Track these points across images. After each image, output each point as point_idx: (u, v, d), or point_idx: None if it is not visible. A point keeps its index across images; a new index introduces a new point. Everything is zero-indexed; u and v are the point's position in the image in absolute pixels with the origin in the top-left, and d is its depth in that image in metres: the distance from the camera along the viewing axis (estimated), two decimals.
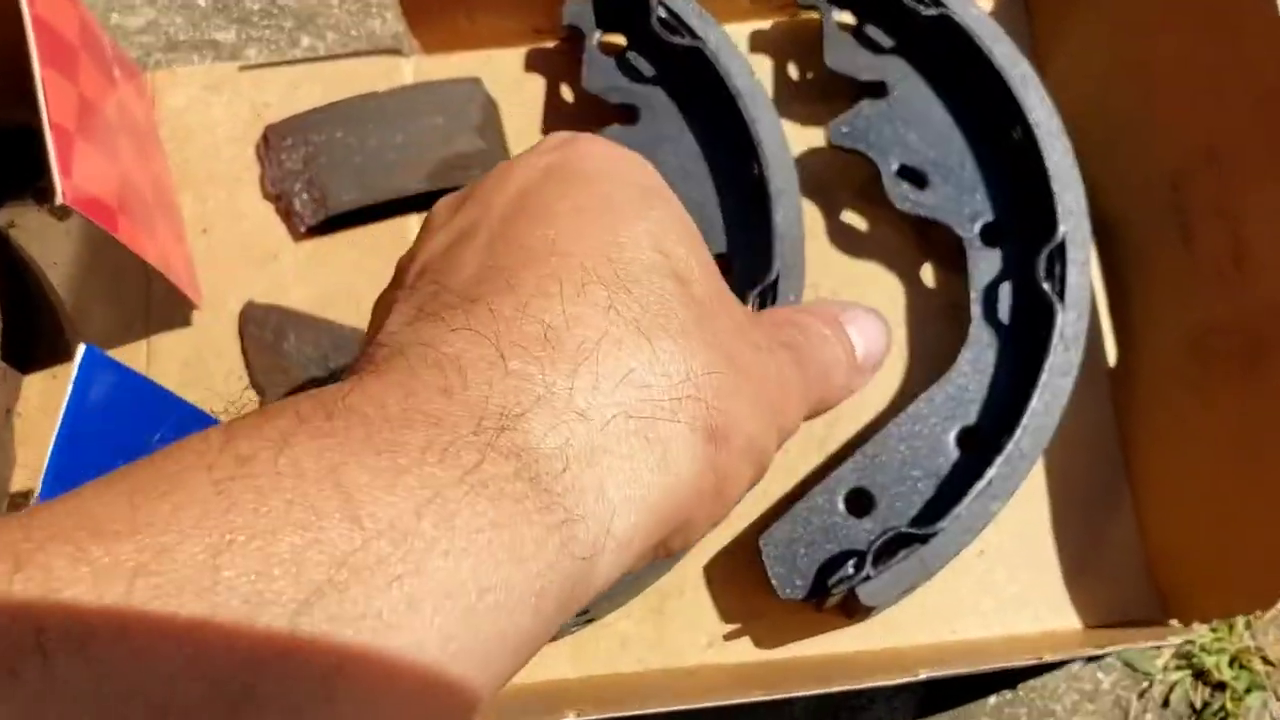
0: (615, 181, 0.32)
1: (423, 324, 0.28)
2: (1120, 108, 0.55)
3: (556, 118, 0.60)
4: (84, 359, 0.45)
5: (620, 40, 0.58)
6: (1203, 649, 0.56)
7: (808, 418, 0.36)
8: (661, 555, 0.30)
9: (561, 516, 0.24)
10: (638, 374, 0.27)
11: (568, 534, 0.24)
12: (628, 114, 0.57)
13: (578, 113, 0.59)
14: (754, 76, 0.55)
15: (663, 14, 0.56)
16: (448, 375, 0.25)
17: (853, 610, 0.50)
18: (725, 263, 0.54)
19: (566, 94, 0.60)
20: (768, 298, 0.52)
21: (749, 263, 0.54)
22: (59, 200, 0.46)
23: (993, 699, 0.54)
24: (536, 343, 0.27)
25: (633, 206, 0.31)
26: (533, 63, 0.60)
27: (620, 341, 0.27)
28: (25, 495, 0.57)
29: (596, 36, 0.57)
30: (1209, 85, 0.49)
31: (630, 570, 0.28)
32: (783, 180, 0.53)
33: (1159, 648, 0.47)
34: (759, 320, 0.35)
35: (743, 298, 0.52)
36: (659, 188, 0.33)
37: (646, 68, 0.58)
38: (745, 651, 0.52)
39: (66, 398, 0.44)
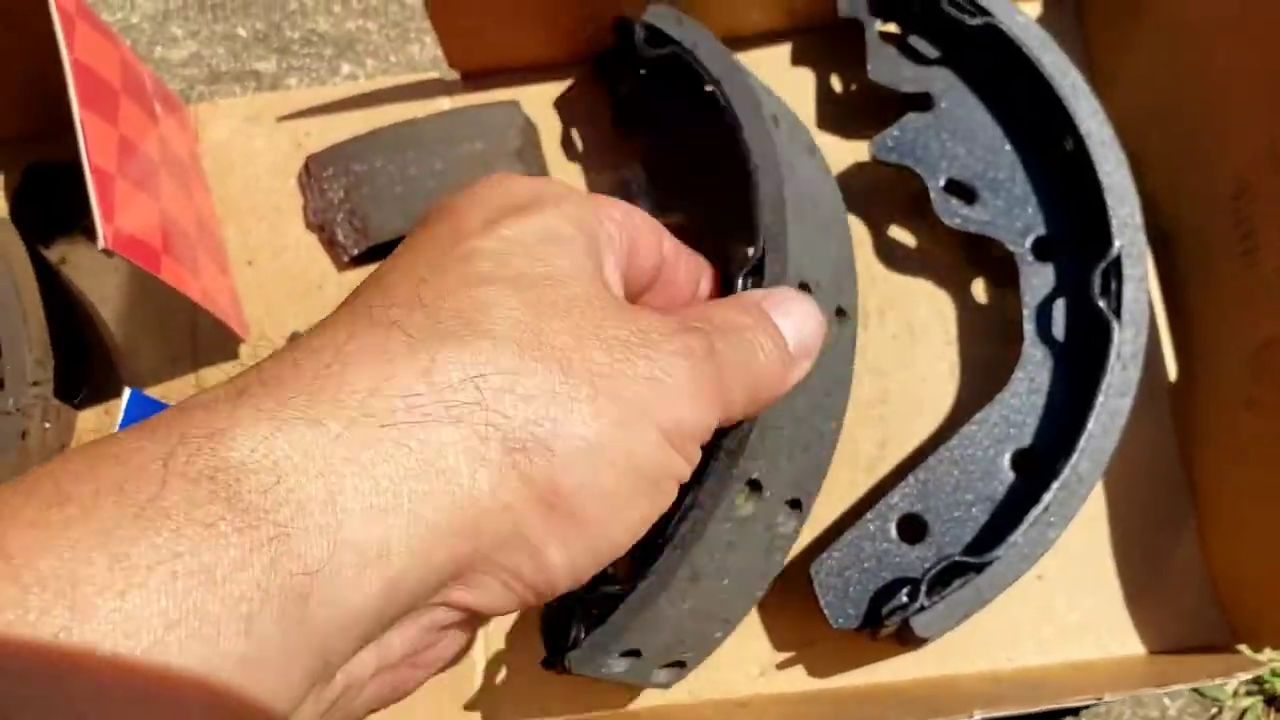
0: (480, 209, 0.32)
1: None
2: (1178, 115, 0.53)
3: (596, 139, 0.59)
4: (129, 402, 0.45)
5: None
6: (1274, 673, 0.55)
7: (736, 416, 0.34)
8: (504, 582, 0.28)
9: (270, 533, 0.23)
10: (400, 381, 0.26)
11: (279, 550, 0.23)
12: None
13: (614, 135, 0.59)
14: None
15: None
16: (165, 413, 0.26)
17: (907, 639, 0.49)
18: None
19: (602, 117, 0.59)
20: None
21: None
22: (101, 245, 0.47)
23: None
24: (284, 367, 0.26)
25: (483, 226, 0.31)
26: (572, 85, 0.60)
27: (386, 352, 0.27)
28: None
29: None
30: (1271, 91, 0.47)
31: (421, 583, 0.26)
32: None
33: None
34: (653, 313, 0.32)
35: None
36: (527, 205, 0.32)
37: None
38: (798, 681, 0.51)
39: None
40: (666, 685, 0.49)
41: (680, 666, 0.49)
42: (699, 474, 0.41)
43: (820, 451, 0.49)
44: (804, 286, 0.45)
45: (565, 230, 0.32)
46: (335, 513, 0.24)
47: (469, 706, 0.52)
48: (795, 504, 0.48)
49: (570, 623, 0.45)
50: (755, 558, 0.47)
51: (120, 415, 0.46)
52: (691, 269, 0.41)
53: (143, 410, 0.46)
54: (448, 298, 0.28)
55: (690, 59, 0.53)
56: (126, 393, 0.46)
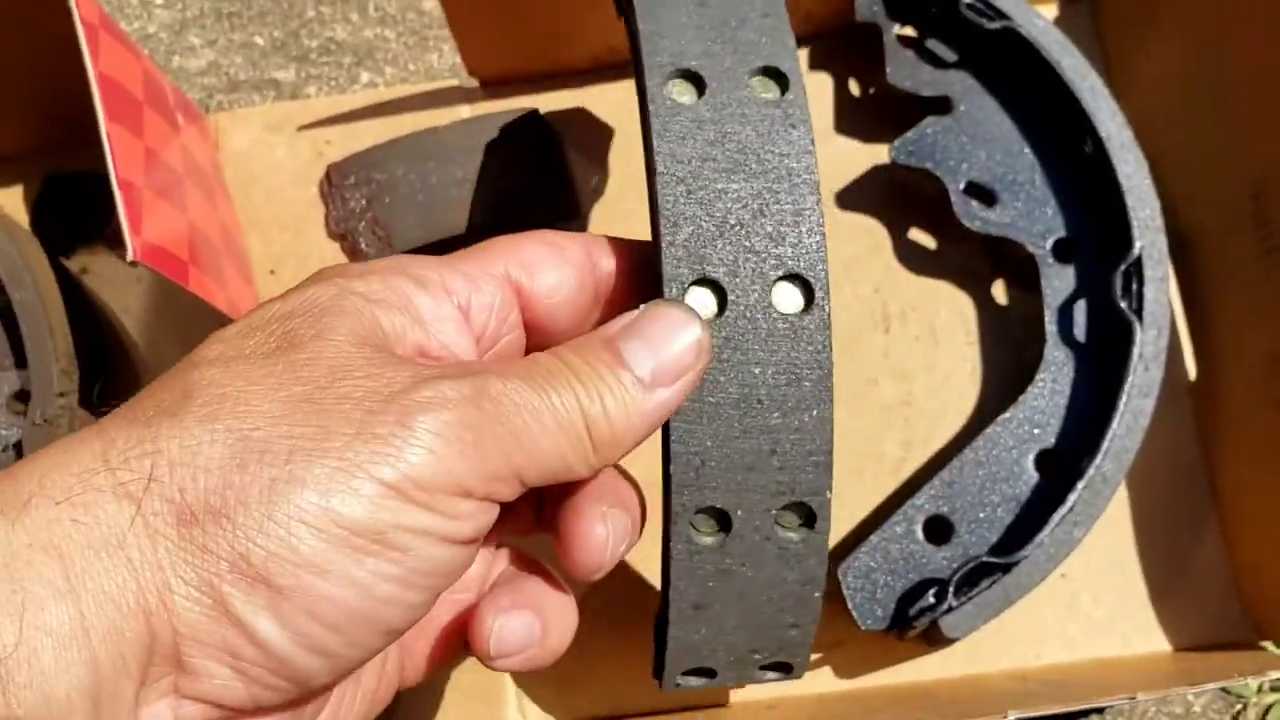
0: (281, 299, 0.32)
1: None
2: (1196, 117, 0.54)
3: (621, 145, 0.59)
4: None
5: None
6: None
7: (566, 467, 0.30)
8: (213, 660, 0.26)
9: None
10: (77, 460, 0.26)
11: None
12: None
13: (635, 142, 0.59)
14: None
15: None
16: None
17: (935, 639, 0.49)
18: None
19: (624, 121, 0.60)
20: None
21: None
22: (130, 257, 0.47)
23: None
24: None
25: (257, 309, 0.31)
26: (591, 93, 0.60)
27: (69, 441, 0.27)
28: None
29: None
30: None
31: (122, 663, 0.25)
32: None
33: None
34: (405, 369, 0.29)
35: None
36: (323, 275, 0.32)
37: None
38: (826, 682, 0.52)
39: None
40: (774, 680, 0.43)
41: (784, 669, 0.42)
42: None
43: (806, 446, 0.36)
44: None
45: (325, 300, 0.30)
46: (16, 599, 0.24)
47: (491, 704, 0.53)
48: (796, 508, 0.36)
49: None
50: (768, 573, 0.38)
51: None
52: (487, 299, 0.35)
53: None
54: (156, 391, 0.28)
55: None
56: None
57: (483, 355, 0.34)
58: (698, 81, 0.33)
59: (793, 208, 0.32)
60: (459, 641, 0.35)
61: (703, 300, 0.32)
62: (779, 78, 0.34)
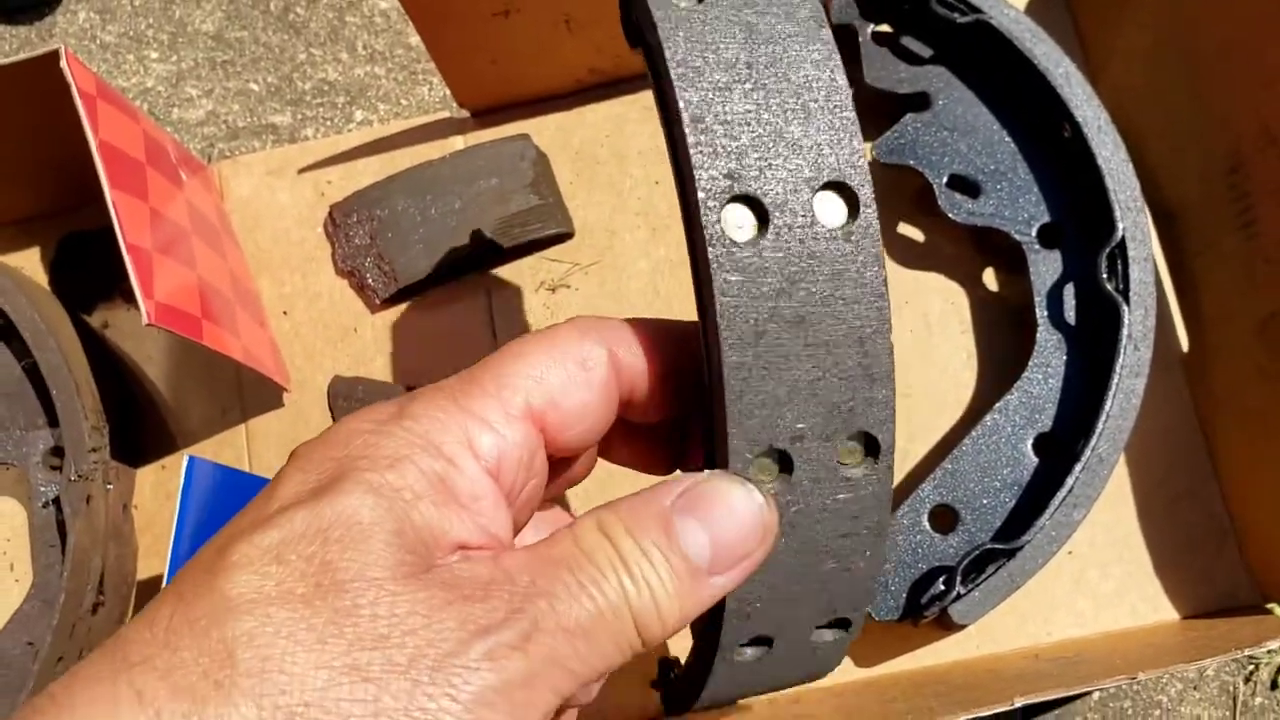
0: (296, 468, 0.29)
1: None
2: (1172, 96, 0.55)
3: (613, 163, 0.61)
4: (188, 468, 0.47)
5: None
6: None
7: (607, 669, 0.28)
8: None
9: None
10: None
11: None
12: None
13: (628, 161, 0.60)
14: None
15: None
16: None
17: (948, 624, 0.51)
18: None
19: (619, 139, 0.61)
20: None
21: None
22: (146, 321, 0.49)
23: (1096, 694, 0.55)
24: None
25: (277, 508, 0.28)
26: (580, 113, 0.61)
27: (105, 701, 0.25)
28: (151, 582, 0.60)
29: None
30: (1260, 66, 0.49)
31: None
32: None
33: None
34: (444, 614, 0.27)
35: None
36: (349, 465, 0.28)
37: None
38: (846, 671, 0.53)
39: (177, 506, 0.47)
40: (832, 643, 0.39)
41: (843, 625, 0.37)
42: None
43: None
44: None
45: (364, 515, 0.28)
46: None
47: None
48: (859, 438, 0.32)
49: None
50: (830, 516, 0.33)
51: (181, 479, 0.48)
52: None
53: (205, 475, 0.49)
54: (194, 635, 0.26)
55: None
56: (185, 459, 0.48)
57: (510, 507, 0.32)
58: (757, 208, 0.29)
59: (864, 373, 0.30)
60: None
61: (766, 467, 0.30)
62: (847, 196, 0.30)
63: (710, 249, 0.28)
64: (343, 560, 0.27)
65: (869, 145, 0.56)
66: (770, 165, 0.29)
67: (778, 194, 0.29)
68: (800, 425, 0.30)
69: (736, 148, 0.29)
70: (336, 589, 0.26)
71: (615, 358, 0.32)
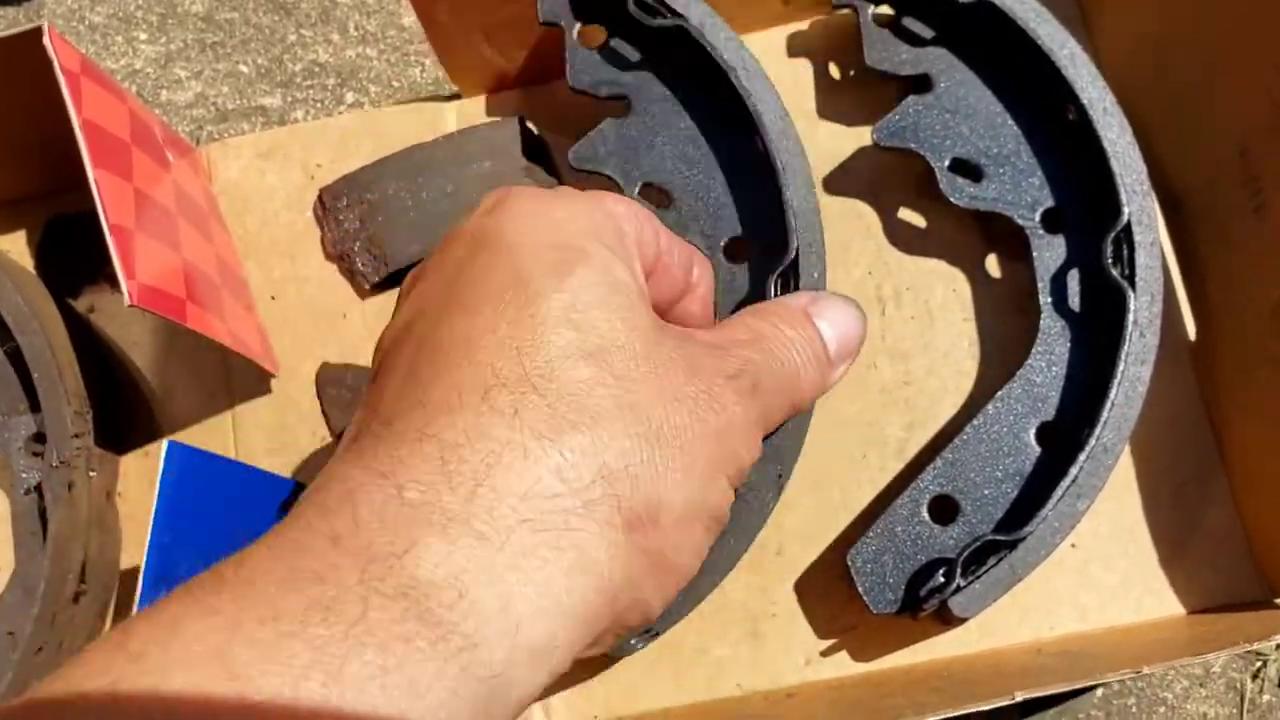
0: (533, 249, 0.32)
1: (343, 456, 0.30)
2: (1179, 77, 0.53)
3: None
4: (167, 454, 0.46)
5: (601, 31, 0.56)
6: None
7: (778, 426, 0.37)
8: (617, 635, 0.31)
9: (459, 644, 0.26)
10: (543, 483, 0.28)
11: (468, 659, 0.26)
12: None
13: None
14: (744, 49, 0.53)
15: None
16: (340, 519, 0.27)
17: (948, 618, 0.50)
18: (744, 245, 0.54)
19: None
20: (790, 278, 0.51)
21: (768, 243, 0.53)
22: (128, 302, 0.48)
23: (1100, 691, 0.53)
24: (434, 467, 0.28)
25: (548, 278, 0.31)
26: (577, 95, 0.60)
27: (524, 450, 0.28)
28: (135, 571, 0.59)
29: (576, 29, 0.56)
30: (1269, 47, 0.47)
31: (563, 668, 0.29)
32: (787, 154, 0.52)
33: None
34: (706, 352, 0.33)
35: (764, 281, 0.51)
36: (580, 244, 0.33)
37: (632, 54, 0.56)
38: (844, 666, 0.52)
39: (156, 492, 0.46)
40: (640, 648, 0.50)
41: (652, 634, 0.50)
42: None
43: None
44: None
45: (620, 275, 0.33)
46: (510, 619, 0.27)
47: None
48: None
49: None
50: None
51: (160, 465, 0.47)
52: (684, 256, 0.41)
53: (185, 460, 0.47)
54: (552, 378, 0.29)
55: (699, 37, 0.53)
56: (164, 445, 0.47)
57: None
58: None
59: None
60: None
61: None
62: None
63: None
64: (622, 314, 0.31)
65: (869, 128, 0.55)
66: None
67: None
68: None
69: None
70: (629, 346, 0.31)
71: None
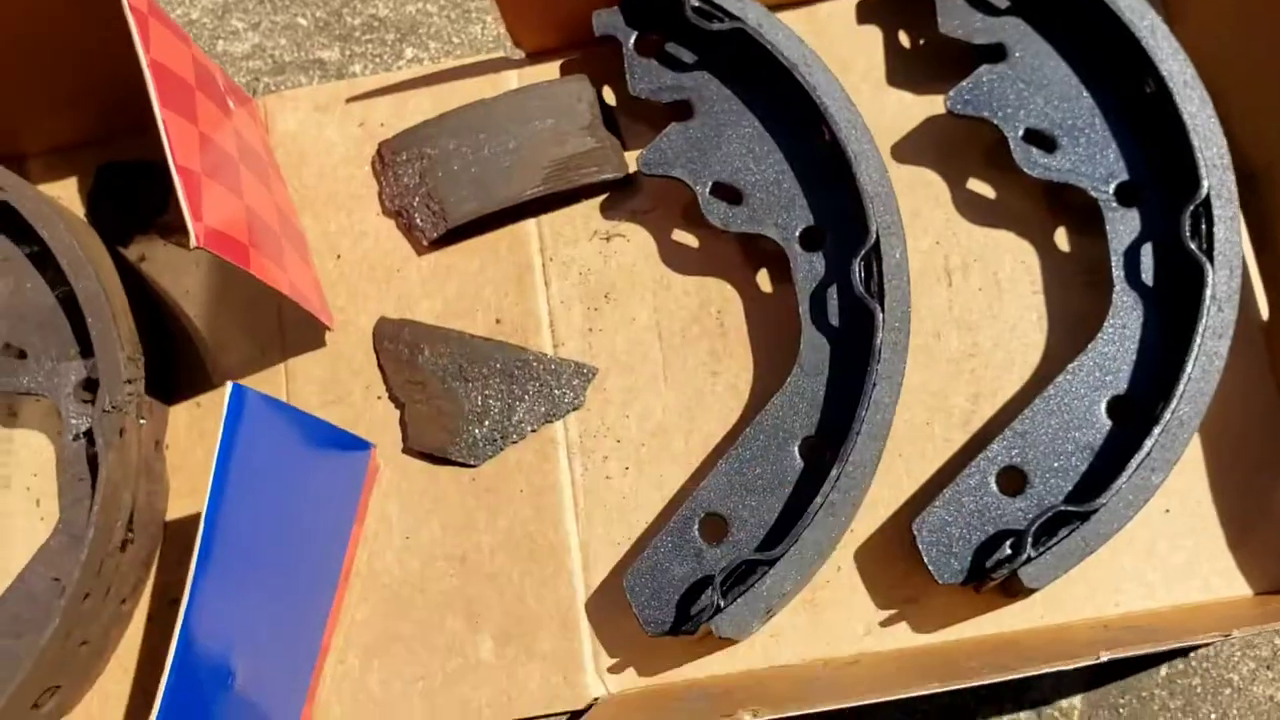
0: None
1: None
2: (1260, 49, 0.53)
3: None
4: (232, 396, 0.45)
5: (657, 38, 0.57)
6: None
7: None
8: None
9: None
10: None
11: None
12: (683, 109, 0.56)
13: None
14: (803, 44, 0.54)
15: (696, 2, 0.54)
16: None
17: (1014, 590, 0.49)
18: (819, 233, 0.53)
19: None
20: (872, 260, 0.51)
21: (844, 229, 0.53)
22: (194, 244, 0.47)
23: (1164, 669, 0.53)
24: None
25: None
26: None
27: None
28: (181, 523, 0.58)
29: (633, 39, 0.57)
30: None
31: None
32: (857, 142, 0.52)
33: None
34: None
35: (843, 266, 0.51)
36: None
37: (690, 57, 0.57)
38: (904, 637, 0.52)
39: (220, 436, 0.45)
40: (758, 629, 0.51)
41: (770, 613, 0.50)
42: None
43: None
44: None
45: None
46: None
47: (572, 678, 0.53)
48: None
49: (701, 595, 0.49)
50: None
51: (225, 406, 0.46)
52: None
53: (248, 404, 0.46)
54: None
55: (758, 37, 0.53)
56: (228, 387, 0.46)
57: None
58: None
59: None
60: None
61: None
62: None
63: None
64: None
65: (939, 97, 0.55)
66: None
67: None
68: None
69: None
70: None
71: None
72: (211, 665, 0.45)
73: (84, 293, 0.55)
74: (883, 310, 0.50)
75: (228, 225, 0.50)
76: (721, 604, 0.48)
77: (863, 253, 0.51)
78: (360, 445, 0.55)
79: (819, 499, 0.48)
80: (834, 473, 0.48)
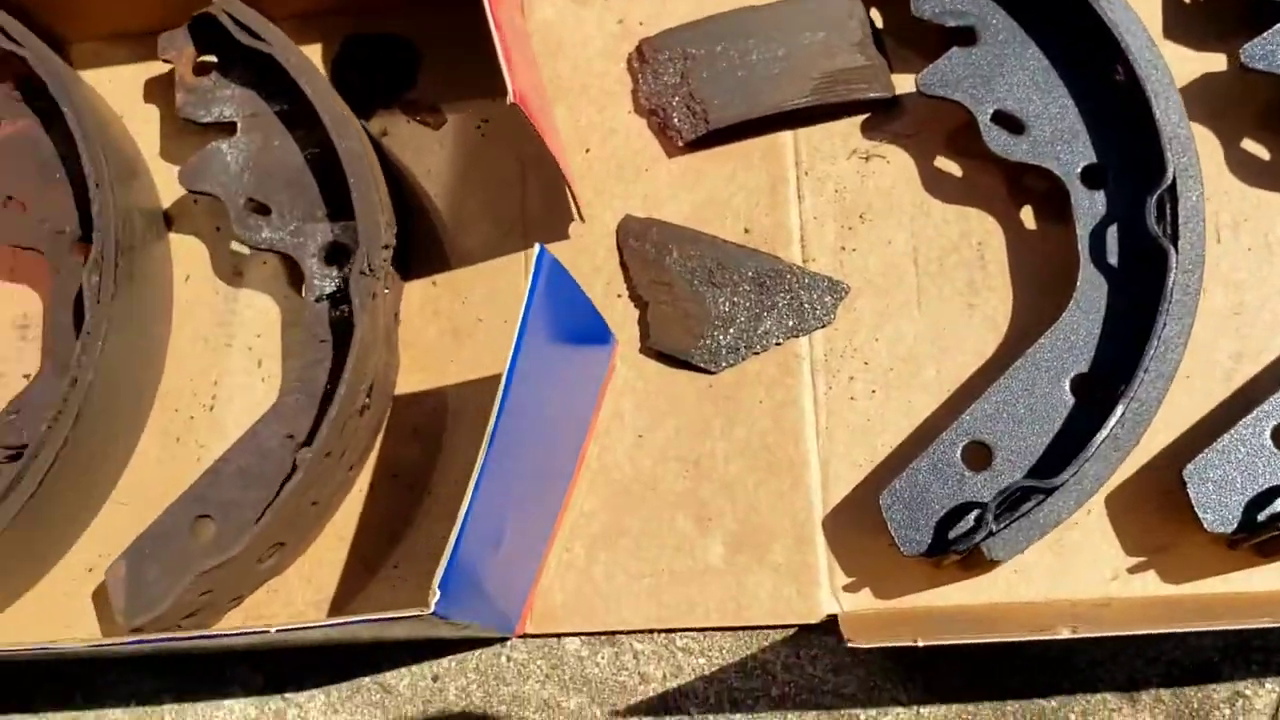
0: None
1: None
2: None
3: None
4: (538, 258, 0.44)
5: None
6: None
7: None
8: None
9: None
10: None
11: None
12: (965, 35, 0.55)
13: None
14: None
15: None
16: None
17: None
18: (1101, 171, 0.53)
19: None
20: (1166, 201, 0.50)
21: (1130, 168, 0.52)
22: (510, 100, 0.46)
23: None
24: None
25: None
26: None
27: None
28: (407, 399, 0.57)
29: None
30: None
31: None
32: (1157, 80, 0.52)
33: None
34: None
35: (1125, 206, 0.51)
36: None
37: None
38: (1150, 586, 0.51)
39: (526, 293, 0.44)
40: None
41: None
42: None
43: None
44: None
45: None
46: None
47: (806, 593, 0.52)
48: None
49: (973, 518, 0.49)
50: None
51: (530, 275, 0.44)
52: None
53: (552, 270, 0.45)
54: None
55: None
56: (536, 248, 0.45)
57: None
58: None
59: None
60: None
61: None
62: None
63: None
64: None
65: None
66: None
67: None
68: None
69: None
70: None
71: None
72: (488, 528, 0.44)
73: (347, 152, 0.54)
74: (1176, 252, 0.49)
75: (527, 90, 0.49)
76: (994, 528, 0.47)
77: (1158, 193, 0.50)
78: (607, 336, 0.54)
79: (1104, 431, 0.47)
80: (1119, 408, 0.48)
